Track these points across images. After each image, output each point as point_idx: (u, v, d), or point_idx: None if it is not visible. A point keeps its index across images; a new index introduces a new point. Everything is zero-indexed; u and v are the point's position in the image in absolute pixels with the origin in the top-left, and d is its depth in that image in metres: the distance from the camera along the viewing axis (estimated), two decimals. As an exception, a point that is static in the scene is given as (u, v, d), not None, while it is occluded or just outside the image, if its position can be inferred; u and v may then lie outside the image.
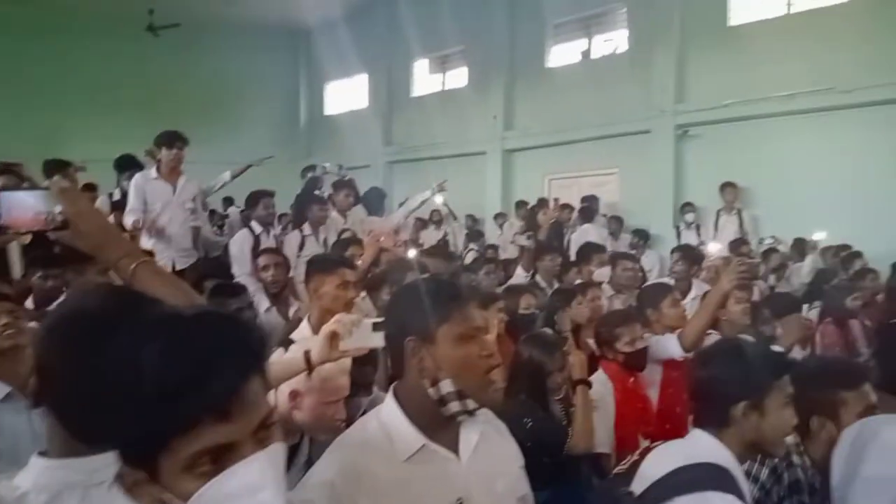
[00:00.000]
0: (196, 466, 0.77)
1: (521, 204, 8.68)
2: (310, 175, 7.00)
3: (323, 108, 13.81)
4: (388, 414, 1.26)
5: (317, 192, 6.17)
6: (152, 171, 4.80)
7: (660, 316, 3.01)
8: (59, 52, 10.83)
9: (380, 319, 1.49)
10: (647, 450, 1.51)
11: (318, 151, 12.12)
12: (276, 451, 0.77)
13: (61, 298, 2.18)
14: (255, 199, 4.88)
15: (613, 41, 9.36)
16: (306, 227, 4.99)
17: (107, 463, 0.95)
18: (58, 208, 1.16)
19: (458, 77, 11.29)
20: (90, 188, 5.81)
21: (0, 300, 2.09)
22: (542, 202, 7.65)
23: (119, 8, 10.66)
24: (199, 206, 5.04)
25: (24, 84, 10.55)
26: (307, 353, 1.58)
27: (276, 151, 11.44)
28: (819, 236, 6.36)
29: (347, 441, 1.29)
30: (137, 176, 4.79)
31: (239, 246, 4.51)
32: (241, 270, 4.38)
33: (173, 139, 4.75)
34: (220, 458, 0.78)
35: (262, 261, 3.93)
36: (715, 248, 5.24)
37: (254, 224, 4.77)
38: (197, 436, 0.76)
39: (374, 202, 6.51)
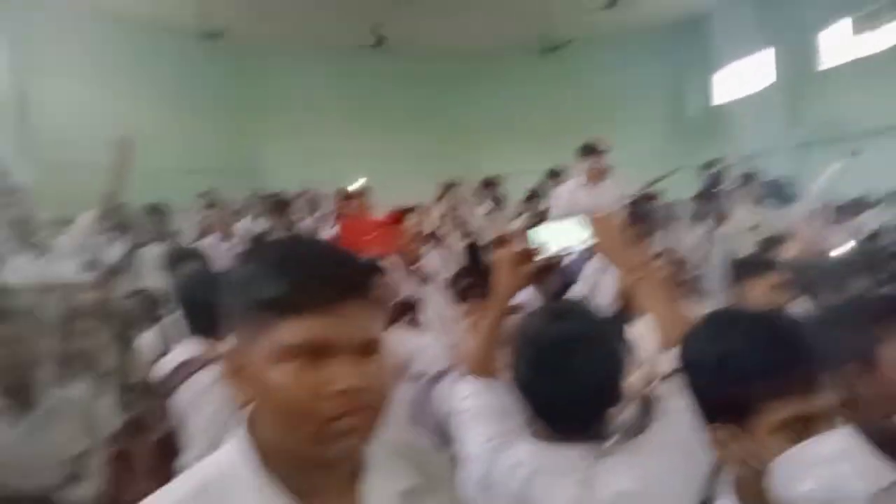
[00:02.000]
0: (785, 429, 0.90)
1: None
2: (710, 172, 6.67)
3: (711, 97, 13.07)
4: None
5: (717, 189, 5.89)
6: (580, 180, 5.08)
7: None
8: (465, 79, 12.63)
9: None
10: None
11: (707, 144, 11.47)
12: (850, 433, 0.85)
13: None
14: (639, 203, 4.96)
15: None
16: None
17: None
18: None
19: (882, 39, 9.37)
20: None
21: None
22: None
23: (509, 36, 11.88)
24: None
25: (438, 112, 12.56)
26: None
27: (662, 150, 11.48)
28: None
29: None
30: (567, 184, 5.19)
31: None
32: None
33: (593, 148, 5.01)
34: (808, 426, 0.90)
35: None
36: None
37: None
38: (789, 402, 0.91)
39: (776, 194, 5.91)
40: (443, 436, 2.55)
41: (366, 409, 0.75)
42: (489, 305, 1.48)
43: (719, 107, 12.73)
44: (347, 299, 0.75)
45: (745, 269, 2.64)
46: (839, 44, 10.16)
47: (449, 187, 5.82)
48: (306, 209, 7.01)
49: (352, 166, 9.34)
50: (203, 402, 1.93)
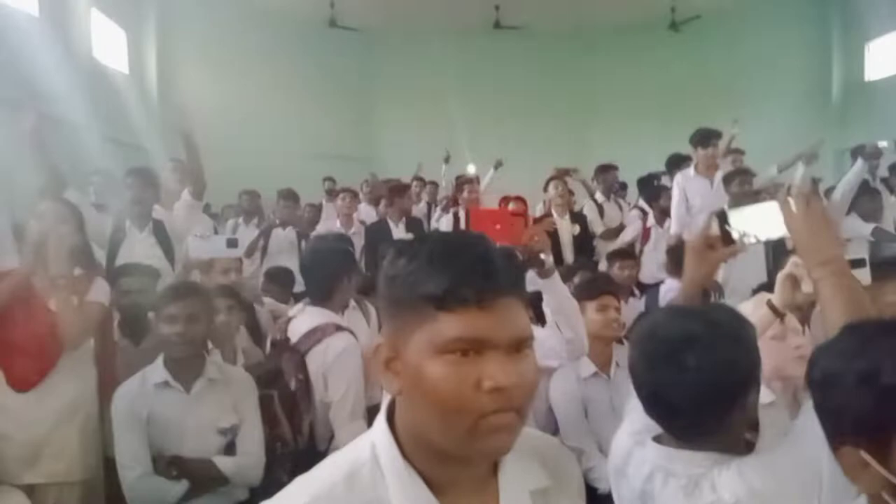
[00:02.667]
0: None
1: None
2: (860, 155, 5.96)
3: (863, 72, 11.71)
4: None
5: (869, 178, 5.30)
6: (690, 170, 4.91)
7: None
8: (586, 60, 12.18)
9: None
10: None
11: (856, 124, 10.37)
12: None
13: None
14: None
15: None
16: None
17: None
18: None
19: None
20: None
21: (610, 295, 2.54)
22: None
23: (639, 12, 11.34)
24: None
25: (560, 95, 12.23)
26: (769, 302, 1.69)
27: (803, 132, 10.47)
28: None
29: None
30: (678, 175, 4.99)
31: None
32: None
33: (707, 137, 4.79)
34: None
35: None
36: None
37: None
38: None
39: None
40: (547, 428, 2.56)
41: (517, 407, 0.76)
42: (682, 291, 1.50)
43: (871, 83, 11.42)
44: (504, 296, 0.77)
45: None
46: None
47: (562, 173, 5.70)
48: (422, 195, 7.16)
49: (471, 152, 9.39)
50: (336, 363, 2.25)
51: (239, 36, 10.51)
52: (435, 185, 7.56)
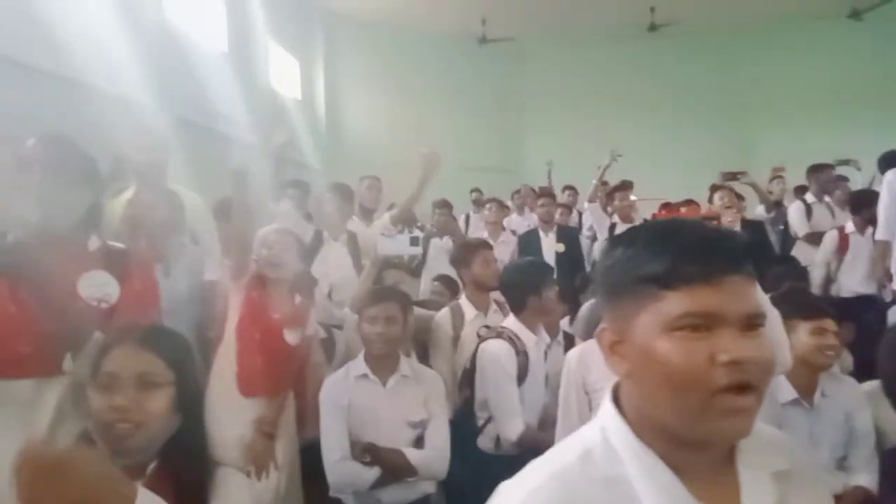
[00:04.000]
0: None
1: None
2: None
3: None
4: None
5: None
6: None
7: None
8: (748, 54, 11.40)
9: None
10: None
11: None
12: None
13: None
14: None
15: None
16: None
17: None
18: None
19: None
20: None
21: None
22: None
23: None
24: None
25: (719, 94, 11.52)
26: None
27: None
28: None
29: None
30: (890, 174, 4.48)
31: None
32: None
33: None
34: None
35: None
36: None
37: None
38: None
39: None
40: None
41: (755, 385, 0.76)
42: None
43: None
44: (730, 273, 0.78)
45: None
46: None
47: (729, 177, 5.39)
48: (573, 203, 7.09)
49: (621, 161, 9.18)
50: (489, 364, 2.57)
51: (396, 59, 11.12)
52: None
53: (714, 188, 5.04)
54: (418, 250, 3.36)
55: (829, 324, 2.25)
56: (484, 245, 3.29)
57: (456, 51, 11.69)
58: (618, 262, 0.83)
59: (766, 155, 7.53)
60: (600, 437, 0.83)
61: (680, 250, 0.78)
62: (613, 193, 5.61)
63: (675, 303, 0.77)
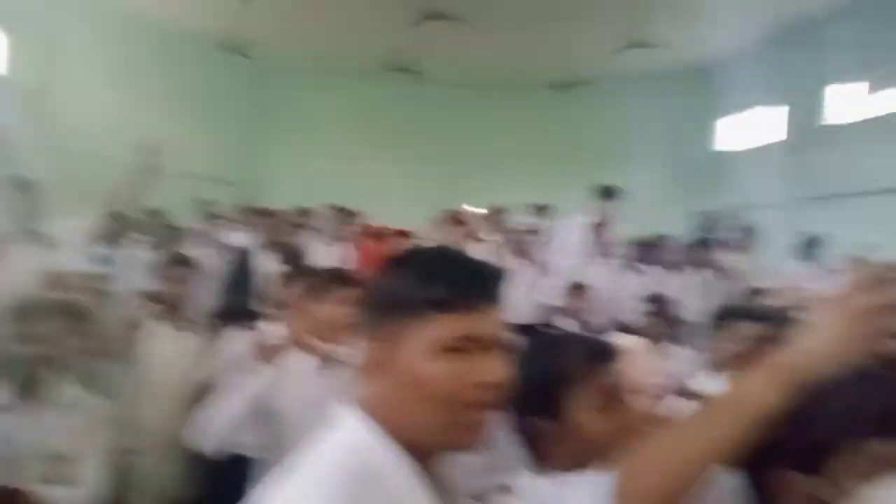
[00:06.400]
0: (864, 472, 0.92)
1: None
2: (704, 218, 6.68)
3: (715, 145, 13.17)
4: None
5: (711, 237, 5.91)
6: (585, 221, 5.15)
7: None
8: (480, 116, 12.78)
9: None
10: None
11: (710, 191, 11.54)
12: None
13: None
14: (661, 243, 4.94)
15: None
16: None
17: None
18: None
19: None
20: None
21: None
22: None
23: (529, 72, 12.18)
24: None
25: (447, 140, 12.63)
26: None
27: (666, 194, 11.54)
28: None
29: None
30: (571, 224, 5.22)
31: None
32: None
33: (611, 192, 5.11)
34: (882, 468, 0.92)
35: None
36: None
37: (648, 268, 4.83)
38: (869, 444, 0.91)
39: (809, 250, 5.93)
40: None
41: (495, 404, 0.84)
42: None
43: (723, 154, 12.82)
44: (494, 301, 0.86)
45: (726, 315, 2.61)
46: (850, 102, 10.25)
47: (456, 215, 5.83)
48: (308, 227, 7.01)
49: (353, 188, 9.41)
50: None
51: (125, 47, 10.11)
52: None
53: (447, 221, 5.41)
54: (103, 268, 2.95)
55: None
56: None
57: (193, 51, 11.05)
58: (392, 285, 0.86)
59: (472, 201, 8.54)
60: (369, 448, 0.82)
61: (455, 278, 0.83)
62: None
63: (447, 326, 0.82)
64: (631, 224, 5.72)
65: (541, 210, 6.45)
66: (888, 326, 0.79)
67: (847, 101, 10.23)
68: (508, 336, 0.87)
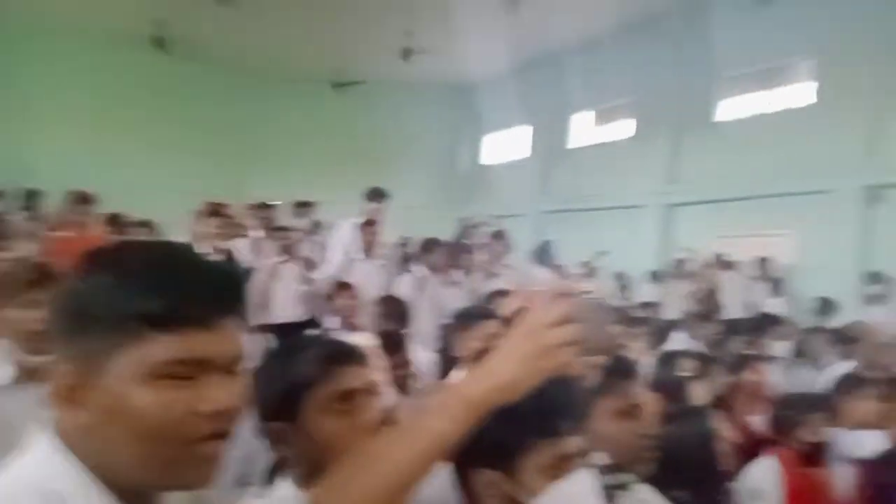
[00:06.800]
0: (555, 468, 0.96)
1: (680, 263, 8.28)
2: (461, 224, 7.10)
3: (480, 157, 14.27)
4: None
5: (466, 241, 6.33)
6: (355, 222, 5.10)
7: (852, 408, 2.67)
8: (250, 105, 12.25)
9: None
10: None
11: (474, 200, 12.49)
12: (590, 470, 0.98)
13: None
14: (430, 246, 5.14)
15: (794, 95, 8.79)
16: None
17: None
18: None
19: (621, 129, 11.18)
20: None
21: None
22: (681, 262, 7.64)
23: (308, 66, 12.03)
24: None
25: (216, 135, 11.93)
26: None
27: (434, 199, 12.20)
28: None
29: None
30: (346, 222, 5.18)
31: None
32: None
33: (381, 194, 5.12)
34: (564, 464, 0.97)
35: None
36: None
37: (416, 268, 5.02)
38: (558, 442, 0.97)
39: (544, 255, 6.60)
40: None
41: (229, 433, 0.69)
42: None
43: (487, 167, 13.95)
44: (228, 315, 0.70)
45: (464, 317, 2.79)
46: (588, 128, 11.84)
47: (217, 207, 5.48)
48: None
49: (110, 172, 8.40)
50: None
51: None
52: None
53: (201, 213, 5.05)
54: None
55: None
56: None
57: None
58: (89, 291, 0.67)
59: (254, 192, 8.10)
60: (62, 483, 0.67)
61: (180, 287, 0.66)
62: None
63: (164, 347, 0.65)
64: (401, 226, 5.94)
65: (306, 207, 6.32)
66: (569, 360, 0.79)
67: (581, 128, 11.85)
68: (242, 351, 0.73)
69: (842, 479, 2.43)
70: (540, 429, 0.99)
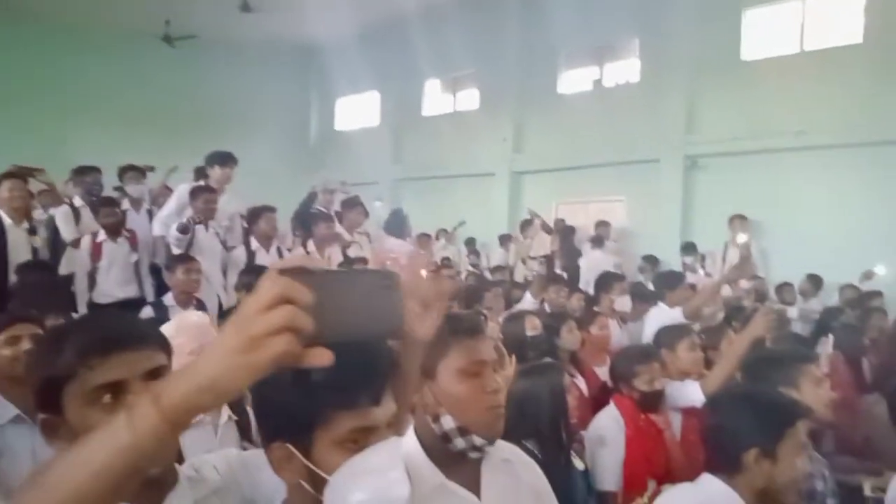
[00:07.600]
0: (347, 442, 0.96)
1: (525, 224, 8.63)
2: (309, 191, 6.62)
3: (334, 123, 13.86)
4: (407, 448, 1.20)
5: (319, 209, 5.99)
6: (190, 186, 4.76)
7: (675, 359, 2.92)
8: (71, 60, 10.84)
9: None
10: (657, 493, 1.47)
11: (327, 166, 12.09)
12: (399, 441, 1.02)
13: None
14: (257, 214, 4.86)
15: (624, 71, 9.46)
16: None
17: None
18: None
19: (469, 99, 11.38)
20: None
21: (24, 322, 2.11)
22: (527, 223, 8.11)
23: (135, 18, 10.86)
24: (236, 225, 5.08)
25: (33, 92, 10.55)
26: None
27: (284, 166, 11.63)
28: (880, 271, 6.47)
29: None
30: (182, 187, 4.77)
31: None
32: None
33: (227, 159, 4.87)
34: (365, 436, 0.96)
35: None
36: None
37: (252, 239, 4.77)
38: (355, 414, 0.96)
39: (396, 224, 6.55)
40: None
41: None
42: None
43: (340, 132, 13.58)
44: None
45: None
46: (437, 96, 11.91)
47: (24, 173, 4.79)
48: None
49: None
50: None
51: None
52: None
53: (6, 176, 4.41)
54: None
55: None
56: None
57: None
58: None
59: (76, 156, 7.18)
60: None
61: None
62: None
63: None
64: (250, 195, 5.58)
65: (135, 173, 5.61)
66: (285, 350, 0.60)
67: (432, 97, 11.91)
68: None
69: (674, 425, 2.69)
70: (335, 400, 0.96)
